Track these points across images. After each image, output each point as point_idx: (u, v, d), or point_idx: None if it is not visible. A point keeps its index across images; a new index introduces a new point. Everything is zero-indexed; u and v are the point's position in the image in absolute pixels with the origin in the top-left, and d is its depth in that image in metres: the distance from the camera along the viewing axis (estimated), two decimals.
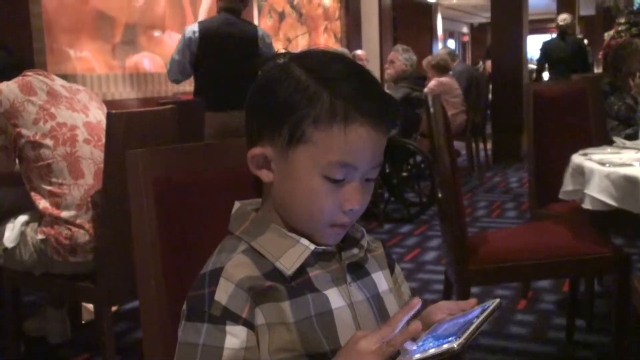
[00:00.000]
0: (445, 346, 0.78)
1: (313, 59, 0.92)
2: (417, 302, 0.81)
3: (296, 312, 0.87)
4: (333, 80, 0.88)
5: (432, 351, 0.79)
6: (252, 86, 0.95)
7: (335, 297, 0.91)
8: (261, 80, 0.94)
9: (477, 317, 0.83)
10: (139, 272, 1.01)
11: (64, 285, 2.34)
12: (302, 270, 0.90)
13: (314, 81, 0.88)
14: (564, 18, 7.75)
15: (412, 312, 0.82)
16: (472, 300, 0.91)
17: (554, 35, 8.77)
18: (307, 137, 0.88)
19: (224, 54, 3.84)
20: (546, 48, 7.82)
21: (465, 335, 0.79)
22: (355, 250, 0.97)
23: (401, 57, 5.17)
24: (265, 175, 0.93)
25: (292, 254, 0.90)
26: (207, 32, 3.84)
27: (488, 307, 0.85)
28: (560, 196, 2.30)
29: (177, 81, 4.06)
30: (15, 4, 4.47)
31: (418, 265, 3.82)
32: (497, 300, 0.86)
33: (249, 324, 0.86)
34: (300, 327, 0.87)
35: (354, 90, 0.88)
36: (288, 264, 0.89)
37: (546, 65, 7.92)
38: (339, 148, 0.87)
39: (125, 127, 2.17)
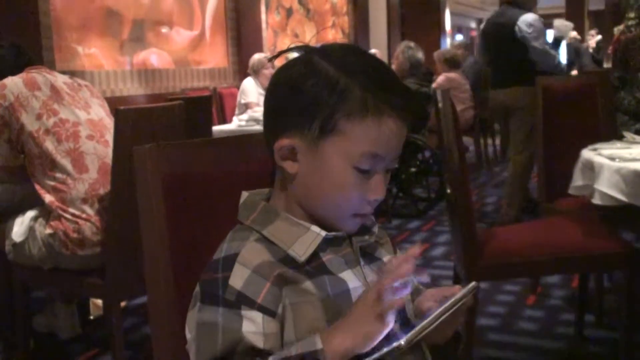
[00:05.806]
0: (394, 345, 0.80)
1: (336, 53, 0.93)
2: (416, 251, 0.84)
3: (318, 290, 0.88)
4: (361, 74, 0.89)
5: (384, 350, 0.80)
6: (273, 81, 0.95)
7: (350, 278, 0.92)
8: (284, 75, 0.94)
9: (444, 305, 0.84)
10: (147, 268, 1.01)
11: (72, 281, 2.34)
12: (315, 255, 0.91)
13: (343, 75, 0.89)
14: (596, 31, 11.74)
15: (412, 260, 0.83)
16: (456, 287, 0.92)
17: None
18: (339, 129, 0.89)
19: None
20: (575, 48, 10.63)
21: (413, 332, 0.80)
22: (366, 237, 0.98)
23: (401, 55, 5.21)
24: (290, 166, 0.93)
25: (303, 241, 0.91)
26: None
27: (465, 292, 0.86)
28: (570, 191, 2.28)
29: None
30: (24, 2, 4.48)
31: (426, 261, 3.81)
32: (473, 284, 0.88)
33: (266, 310, 0.85)
34: (324, 303, 0.87)
35: (381, 83, 0.90)
36: (300, 251, 0.90)
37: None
38: (372, 139, 0.89)
39: (134, 123, 2.18)
